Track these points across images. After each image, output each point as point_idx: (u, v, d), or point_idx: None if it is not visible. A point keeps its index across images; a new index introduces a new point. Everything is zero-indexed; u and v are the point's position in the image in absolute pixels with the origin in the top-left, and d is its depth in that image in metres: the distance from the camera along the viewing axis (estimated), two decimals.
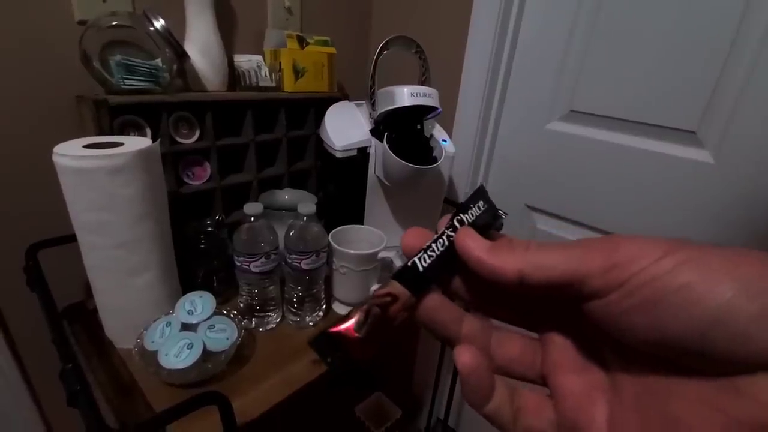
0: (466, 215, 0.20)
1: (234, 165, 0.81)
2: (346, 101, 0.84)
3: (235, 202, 0.80)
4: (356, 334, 0.20)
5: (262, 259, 0.60)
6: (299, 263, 0.61)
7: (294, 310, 0.66)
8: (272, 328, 0.67)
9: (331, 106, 0.79)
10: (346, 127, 0.75)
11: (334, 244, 0.65)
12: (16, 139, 0.61)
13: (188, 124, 0.70)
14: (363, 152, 0.74)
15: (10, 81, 0.60)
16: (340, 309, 0.72)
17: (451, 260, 0.19)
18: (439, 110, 0.69)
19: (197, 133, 0.72)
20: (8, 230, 0.63)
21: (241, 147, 0.78)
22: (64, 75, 0.63)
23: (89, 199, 0.50)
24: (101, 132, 0.59)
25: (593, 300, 0.16)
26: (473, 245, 0.18)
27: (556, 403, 0.19)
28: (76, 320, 0.65)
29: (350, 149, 0.73)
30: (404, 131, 0.72)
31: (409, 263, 0.19)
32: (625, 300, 0.15)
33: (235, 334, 0.57)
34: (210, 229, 0.70)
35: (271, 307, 0.66)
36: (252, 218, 0.59)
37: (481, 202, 0.20)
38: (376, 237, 0.72)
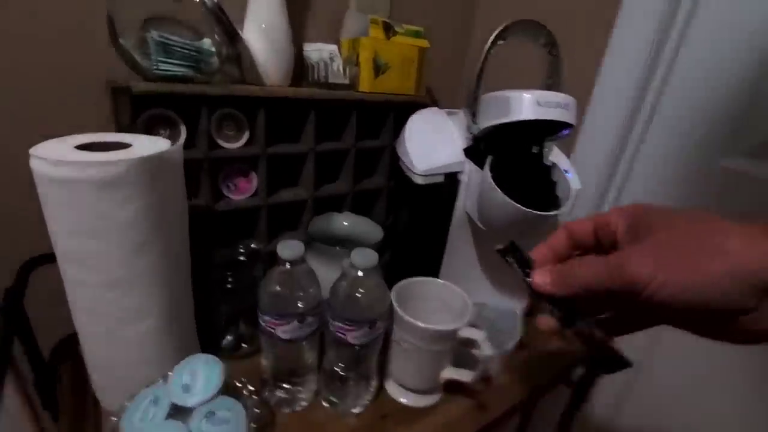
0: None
1: (286, 178, 0.65)
2: (436, 108, 0.64)
3: (282, 225, 0.64)
4: None
5: (294, 323, 0.42)
6: (345, 334, 0.43)
7: (335, 387, 0.48)
8: (303, 409, 0.49)
9: (416, 113, 0.60)
10: (432, 143, 0.55)
11: (398, 309, 0.46)
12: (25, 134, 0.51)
13: (235, 124, 0.56)
14: (452, 179, 0.54)
15: (28, 57, 0.49)
16: (396, 392, 0.52)
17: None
18: (571, 128, 0.47)
19: (245, 137, 0.57)
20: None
21: (297, 157, 0.62)
22: (93, 56, 0.51)
23: (71, 220, 0.36)
24: (120, 130, 0.46)
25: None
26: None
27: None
28: (70, 356, 0.52)
29: (435, 174, 0.53)
30: (515, 155, 0.50)
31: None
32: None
33: (242, 429, 0.40)
34: (242, 258, 0.54)
35: (304, 378, 0.48)
36: (287, 263, 0.42)
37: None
38: (457, 301, 0.51)
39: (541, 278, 0.28)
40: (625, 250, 0.25)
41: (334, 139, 0.66)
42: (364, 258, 0.42)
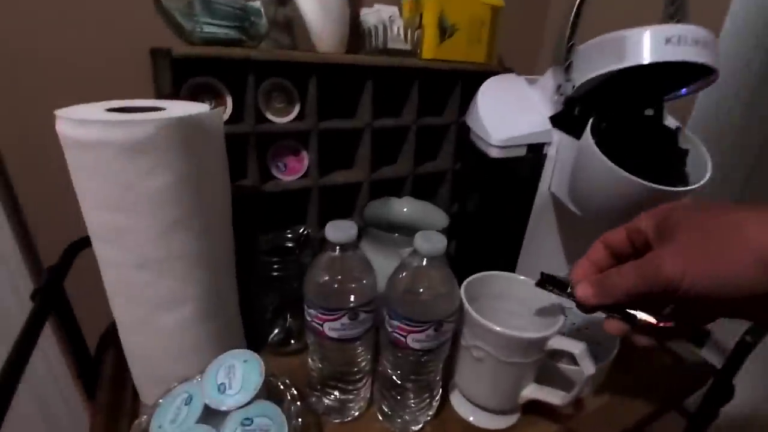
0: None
1: (340, 159, 0.59)
2: (512, 74, 0.54)
3: (335, 210, 0.58)
4: None
5: (345, 319, 0.35)
6: (404, 337, 0.35)
7: (390, 397, 0.40)
8: (353, 419, 0.42)
9: (489, 79, 0.51)
10: (510, 110, 0.45)
11: (469, 308, 0.37)
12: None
13: (286, 96, 0.50)
14: (535, 153, 0.44)
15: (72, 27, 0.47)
16: (463, 409, 0.44)
17: None
18: (712, 74, 0.35)
19: (296, 110, 0.51)
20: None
21: (352, 134, 0.56)
22: (137, 24, 0.48)
23: (97, 191, 0.32)
24: (161, 95, 0.42)
25: None
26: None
27: None
28: (114, 344, 0.50)
29: (515, 146, 0.43)
30: (623, 119, 0.39)
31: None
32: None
33: None
34: (290, 245, 0.49)
35: (356, 384, 0.41)
36: (337, 248, 0.35)
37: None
38: (543, 303, 0.41)
39: (583, 292, 0.30)
40: (655, 252, 0.27)
41: (393, 115, 0.58)
42: (430, 242, 0.33)
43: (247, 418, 0.34)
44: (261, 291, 0.47)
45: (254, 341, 0.50)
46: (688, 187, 0.34)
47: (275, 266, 0.45)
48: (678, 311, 0.29)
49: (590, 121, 0.38)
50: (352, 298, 0.35)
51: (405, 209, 0.56)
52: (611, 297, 0.28)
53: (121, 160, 0.31)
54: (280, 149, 0.52)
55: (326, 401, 0.41)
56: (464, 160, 0.62)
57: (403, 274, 0.35)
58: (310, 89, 0.49)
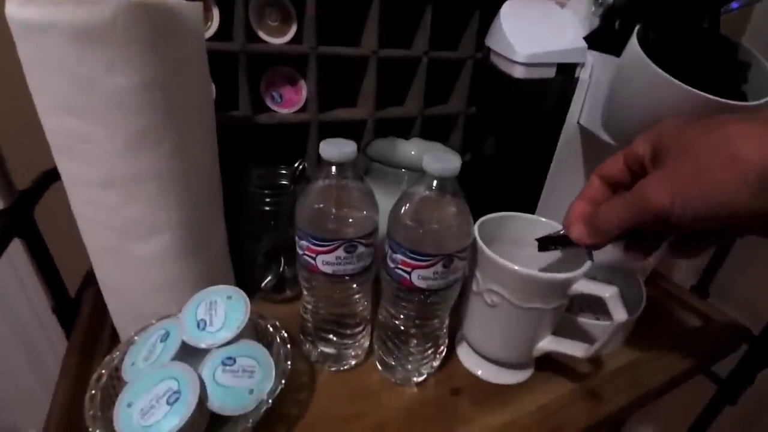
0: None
1: (343, 95, 0.53)
2: None
3: None
4: None
5: (341, 252, 0.31)
6: (409, 274, 0.30)
7: (390, 347, 0.36)
8: (351, 368, 0.38)
9: None
10: (538, 28, 0.39)
11: (484, 247, 0.32)
12: None
13: (281, 13, 0.44)
14: (567, 75, 0.38)
15: None
16: (471, 362, 0.40)
17: None
18: None
19: (293, 30, 0.45)
20: None
21: (355, 64, 0.50)
22: None
23: (51, 87, 0.27)
24: None
25: None
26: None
27: None
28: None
29: (543, 64, 0.37)
30: (674, 28, 0.33)
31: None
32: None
33: (269, 382, 0.30)
34: (284, 182, 0.44)
35: (353, 329, 0.37)
36: (333, 168, 0.30)
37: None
38: (566, 252, 0.36)
39: (577, 233, 0.29)
40: (642, 180, 0.25)
41: (402, 45, 0.52)
42: (441, 162, 0.28)
43: (229, 357, 0.30)
44: (252, 231, 0.43)
45: (245, 287, 0.46)
46: (756, 102, 0.29)
47: (267, 200, 0.40)
48: (682, 237, 0.28)
49: (636, 29, 0.31)
50: (349, 228, 0.31)
51: (413, 152, 0.51)
52: (605, 233, 0.28)
53: (73, 50, 0.26)
54: (276, 77, 0.47)
55: (321, 347, 0.37)
56: (480, 102, 0.56)
57: (410, 200, 0.30)
58: (308, 6, 0.43)
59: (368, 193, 0.32)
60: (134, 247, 0.33)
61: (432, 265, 0.30)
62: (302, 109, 0.49)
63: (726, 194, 0.22)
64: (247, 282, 0.46)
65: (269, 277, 0.45)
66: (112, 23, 0.26)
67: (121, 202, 0.31)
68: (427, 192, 0.29)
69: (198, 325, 0.31)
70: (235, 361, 0.30)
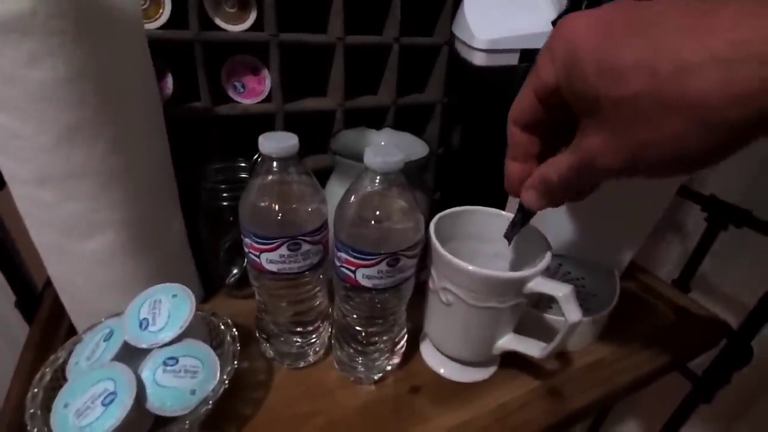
0: None
1: (310, 84, 0.51)
2: None
3: (303, 142, 0.52)
4: None
5: (284, 250, 0.30)
6: (353, 273, 0.29)
7: (345, 346, 0.35)
8: (308, 365, 0.38)
9: None
10: (503, 10, 0.37)
11: (437, 244, 0.31)
12: None
13: (237, 0, 0.43)
14: (532, 62, 0.36)
15: None
16: (433, 359, 0.39)
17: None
18: None
19: (251, 17, 0.43)
20: None
21: (321, 51, 0.48)
22: None
23: None
24: None
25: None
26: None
27: None
28: None
29: (504, 50, 0.35)
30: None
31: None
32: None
33: (212, 382, 0.29)
34: (244, 175, 0.43)
35: (307, 327, 0.36)
36: (274, 164, 0.29)
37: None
38: (530, 243, 0.35)
39: (531, 201, 0.26)
40: (583, 139, 0.21)
41: (371, 32, 0.50)
42: (383, 156, 0.27)
43: (171, 358, 0.30)
44: (213, 226, 0.42)
45: (210, 282, 0.46)
46: None
47: (225, 195, 0.39)
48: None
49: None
50: (292, 225, 0.30)
51: (383, 142, 0.49)
52: (559, 200, 0.25)
53: None
54: (237, 66, 0.45)
55: (277, 345, 0.36)
56: (449, 91, 0.54)
57: (352, 197, 0.29)
58: None
59: (313, 187, 0.31)
60: (77, 245, 0.32)
61: (376, 264, 0.28)
62: (267, 100, 0.47)
63: (679, 138, 0.17)
64: (210, 277, 0.45)
65: (233, 272, 0.44)
66: (32, 14, 0.24)
67: (58, 199, 0.30)
68: (369, 188, 0.28)
69: (140, 325, 0.31)
70: (177, 361, 0.30)
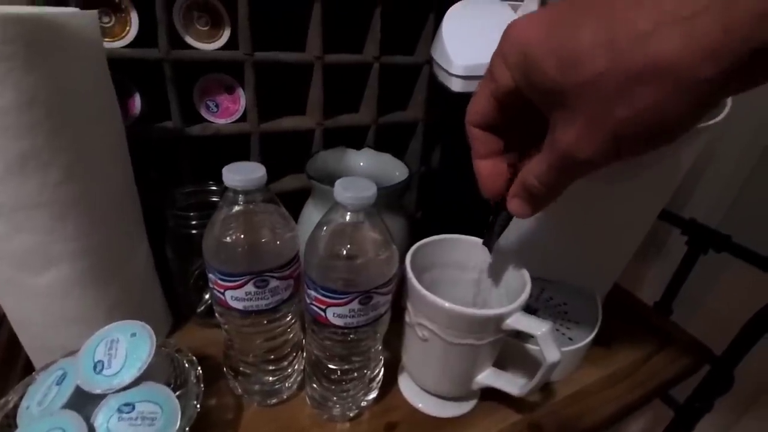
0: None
1: (288, 102, 0.50)
2: None
3: (282, 162, 0.50)
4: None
5: (250, 287, 0.28)
6: (324, 311, 0.28)
7: (316, 384, 0.34)
8: (281, 402, 0.36)
9: (460, 2, 0.41)
10: (481, 36, 0.36)
11: (413, 279, 0.30)
12: None
13: (210, 15, 0.41)
14: None
15: None
16: (411, 394, 0.37)
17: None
18: None
19: (225, 34, 0.42)
20: None
21: (299, 69, 0.47)
22: None
23: None
24: (35, 2, 0.33)
25: None
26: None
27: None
28: None
29: (482, 76, 0.34)
30: None
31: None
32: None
33: (172, 429, 0.27)
34: (215, 198, 0.41)
35: (280, 363, 0.35)
36: (240, 197, 0.27)
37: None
38: (509, 273, 0.34)
39: (517, 210, 0.25)
40: (554, 136, 0.20)
41: (351, 50, 0.49)
42: (353, 191, 0.26)
43: (126, 404, 0.28)
44: (179, 252, 0.40)
45: (179, 311, 0.43)
46: (703, 125, 0.26)
47: (192, 222, 0.38)
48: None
49: None
50: (258, 260, 0.28)
51: (362, 163, 0.48)
52: (547, 203, 0.24)
53: None
54: (210, 85, 0.44)
55: (246, 383, 0.35)
56: (430, 112, 0.53)
57: (322, 232, 0.27)
58: (240, 8, 0.40)
59: (283, 218, 0.29)
60: (31, 279, 0.30)
61: (347, 303, 0.27)
62: (242, 119, 0.46)
63: (657, 108, 0.16)
64: (180, 305, 0.43)
65: (204, 299, 0.42)
66: None
67: (8, 231, 0.28)
68: (340, 223, 0.27)
69: (95, 368, 0.29)
70: (133, 407, 0.28)
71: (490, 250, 0.32)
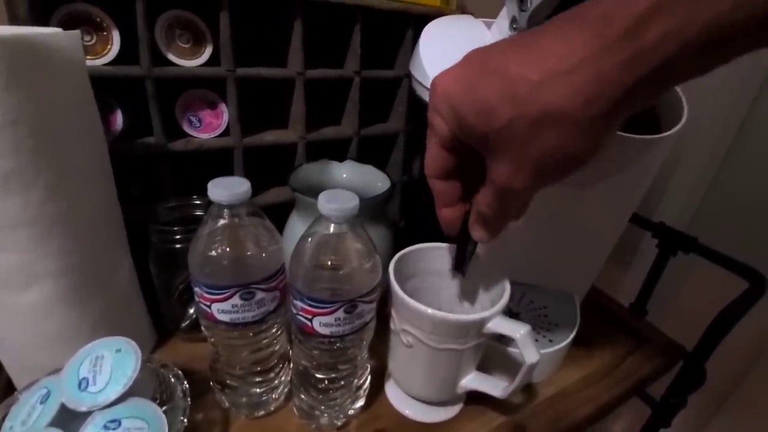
0: None
1: (270, 117, 0.51)
2: (468, 16, 0.46)
3: (264, 176, 0.51)
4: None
5: (237, 299, 0.29)
6: (310, 321, 0.28)
7: (304, 394, 0.34)
8: (268, 413, 0.36)
9: (438, 19, 0.43)
10: (458, 52, 0.38)
11: (397, 287, 0.31)
12: None
13: (192, 33, 0.42)
14: None
15: None
16: (398, 400, 0.38)
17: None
18: None
19: (207, 51, 0.43)
20: None
21: (281, 84, 0.48)
22: None
23: None
24: (16, 22, 0.34)
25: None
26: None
27: None
28: None
29: None
30: None
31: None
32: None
33: None
34: (199, 212, 0.41)
35: (266, 375, 0.35)
36: (225, 211, 0.28)
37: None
38: (490, 278, 0.35)
39: (480, 236, 0.27)
40: (491, 171, 0.23)
41: (331, 65, 0.50)
42: (337, 203, 0.27)
43: (112, 420, 0.28)
44: (163, 268, 0.40)
45: (164, 326, 0.43)
46: (667, 133, 0.28)
47: (176, 237, 0.38)
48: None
49: None
50: (244, 272, 0.28)
51: (345, 175, 0.49)
52: (502, 227, 0.26)
53: None
54: (192, 100, 0.44)
55: (233, 396, 0.35)
56: (410, 124, 0.55)
57: (307, 243, 0.28)
58: (222, 25, 0.41)
59: (268, 231, 0.30)
60: (13, 298, 0.30)
61: (333, 312, 0.28)
62: (224, 134, 0.46)
63: (565, 145, 0.19)
64: (164, 320, 0.43)
65: (188, 314, 0.42)
66: None
67: None
68: (324, 235, 0.28)
69: (79, 385, 0.28)
70: (120, 423, 0.28)
71: (464, 275, 0.34)
